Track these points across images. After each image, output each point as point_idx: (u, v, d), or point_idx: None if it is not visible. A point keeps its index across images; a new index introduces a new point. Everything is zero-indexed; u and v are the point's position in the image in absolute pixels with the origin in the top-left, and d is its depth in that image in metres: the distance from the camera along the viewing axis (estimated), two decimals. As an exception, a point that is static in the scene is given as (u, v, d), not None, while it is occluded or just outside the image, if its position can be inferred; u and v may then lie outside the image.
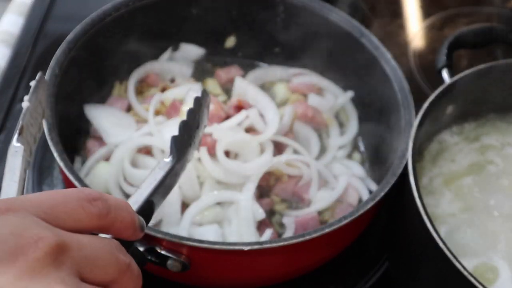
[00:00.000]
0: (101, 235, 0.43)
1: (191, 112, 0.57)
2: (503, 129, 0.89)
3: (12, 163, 0.52)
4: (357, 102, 0.99)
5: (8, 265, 0.35)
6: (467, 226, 0.78)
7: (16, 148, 0.54)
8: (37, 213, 0.39)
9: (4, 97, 1.01)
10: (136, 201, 0.49)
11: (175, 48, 1.02)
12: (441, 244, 0.66)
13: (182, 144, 0.55)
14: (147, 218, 0.49)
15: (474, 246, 0.76)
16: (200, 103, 0.59)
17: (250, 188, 0.84)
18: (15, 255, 0.35)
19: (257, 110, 0.91)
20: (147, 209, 0.50)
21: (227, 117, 0.90)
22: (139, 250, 0.69)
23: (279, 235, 0.85)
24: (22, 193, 0.50)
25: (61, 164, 0.73)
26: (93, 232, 0.42)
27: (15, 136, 0.56)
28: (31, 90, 0.65)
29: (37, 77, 0.64)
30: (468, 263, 0.73)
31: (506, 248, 0.76)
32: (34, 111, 0.63)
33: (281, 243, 0.70)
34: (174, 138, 0.54)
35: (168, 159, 0.53)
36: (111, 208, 0.42)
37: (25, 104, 0.63)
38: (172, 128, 0.86)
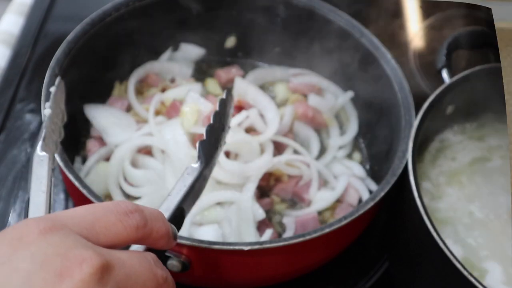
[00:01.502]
0: (135, 246, 0.44)
1: (216, 115, 0.57)
2: (501, 130, 0.89)
3: (38, 172, 0.52)
4: (357, 102, 0.99)
5: (55, 287, 0.36)
6: (468, 225, 0.78)
7: (41, 157, 0.54)
8: (79, 230, 0.39)
9: (4, 97, 1.01)
10: (167, 209, 0.49)
11: (175, 48, 1.02)
12: (441, 244, 0.66)
13: (209, 149, 0.55)
14: (178, 225, 0.49)
15: (474, 246, 0.76)
16: (225, 104, 0.59)
17: (250, 189, 0.84)
18: (61, 276, 0.36)
19: (257, 110, 0.91)
20: (178, 216, 0.49)
21: (227, 117, 0.90)
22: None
23: (279, 235, 0.85)
24: (50, 202, 0.49)
25: (61, 164, 0.72)
26: (131, 244, 0.43)
27: (39, 144, 0.55)
28: (51, 96, 0.64)
29: (56, 82, 0.64)
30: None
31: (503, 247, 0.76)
32: (55, 117, 0.63)
33: (281, 243, 0.70)
34: (201, 143, 0.54)
35: (196, 165, 0.53)
36: (147, 219, 0.43)
37: (47, 111, 0.62)
38: (172, 128, 0.86)
